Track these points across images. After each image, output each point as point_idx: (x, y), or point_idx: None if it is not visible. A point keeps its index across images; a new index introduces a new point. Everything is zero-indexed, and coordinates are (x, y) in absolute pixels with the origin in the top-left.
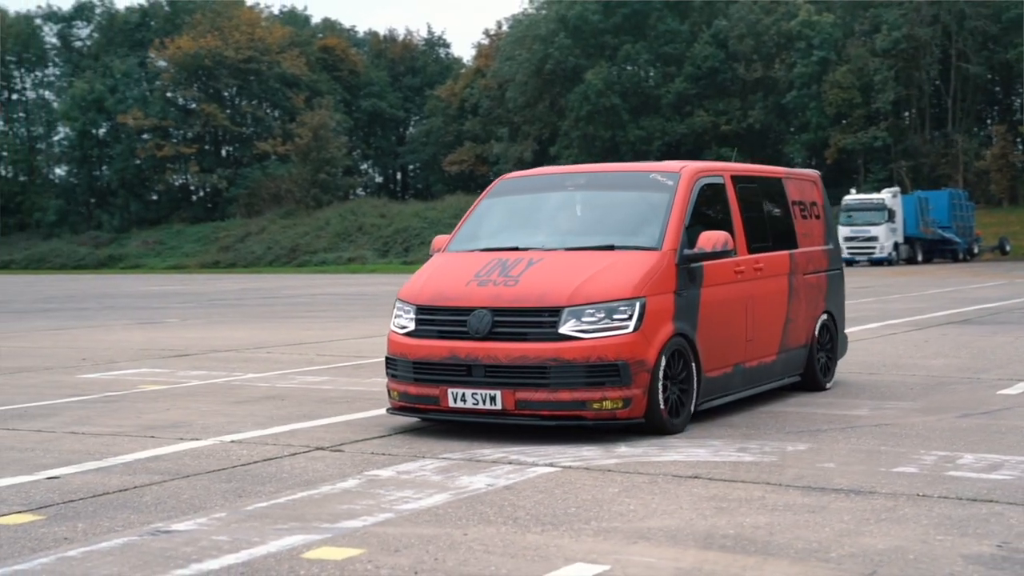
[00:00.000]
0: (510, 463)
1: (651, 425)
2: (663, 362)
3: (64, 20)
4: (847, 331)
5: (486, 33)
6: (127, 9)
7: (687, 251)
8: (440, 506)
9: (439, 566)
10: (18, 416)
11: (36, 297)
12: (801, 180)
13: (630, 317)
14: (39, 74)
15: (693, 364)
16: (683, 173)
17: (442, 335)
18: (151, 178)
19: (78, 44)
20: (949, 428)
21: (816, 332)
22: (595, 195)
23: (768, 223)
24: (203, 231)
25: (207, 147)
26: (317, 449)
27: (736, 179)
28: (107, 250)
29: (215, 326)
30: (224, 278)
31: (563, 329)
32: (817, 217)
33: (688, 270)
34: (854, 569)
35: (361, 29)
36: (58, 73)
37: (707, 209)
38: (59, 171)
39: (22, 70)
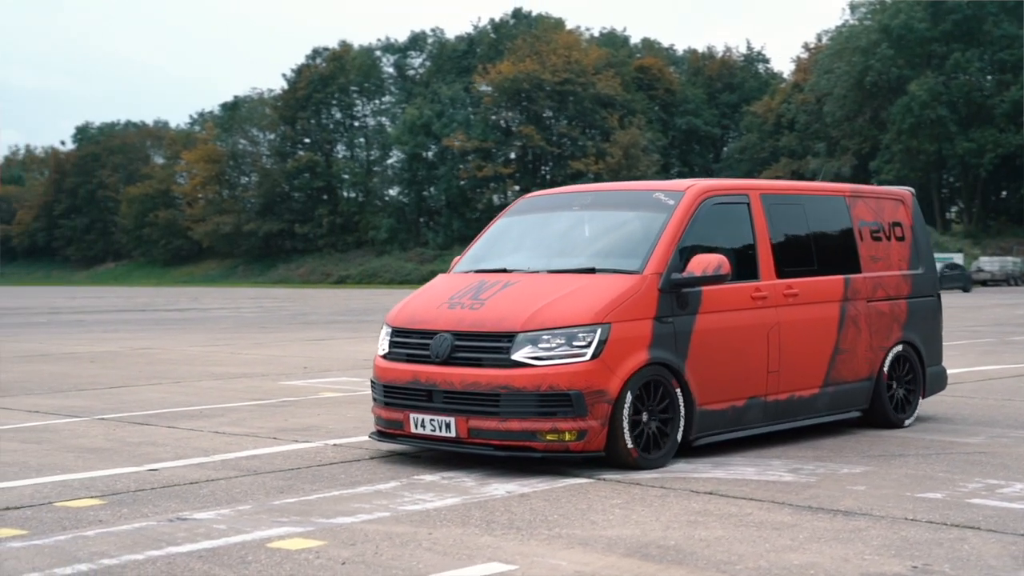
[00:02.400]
0: (554, 474)
1: (614, 459)
2: (631, 393)
3: (400, 51)
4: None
5: (805, 47)
6: (456, 38)
7: (675, 275)
8: (440, 508)
9: (371, 559)
10: (189, 416)
11: (336, 310)
12: (878, 199)
13: (589, 344)
14: (377, 102)
15: (679, 396)
16: (687, 192)
17: (409, 359)
18: (473, 197)
19: (411, 73)
20: None
21: (885, 364)
22: (598, 215)
23: (814, 245)
24: None
25: (525, 167)
26: (399, 455)
27: (767, 198)
28: (430, 266)
29: None
30: None
31: (516, 355)
32: (900, 239)
33: (677, 295)
34: None
35: (680, 47)
36: (393, 100)
37: (719, 230)
38: (391, 192)
39: (363, 99)
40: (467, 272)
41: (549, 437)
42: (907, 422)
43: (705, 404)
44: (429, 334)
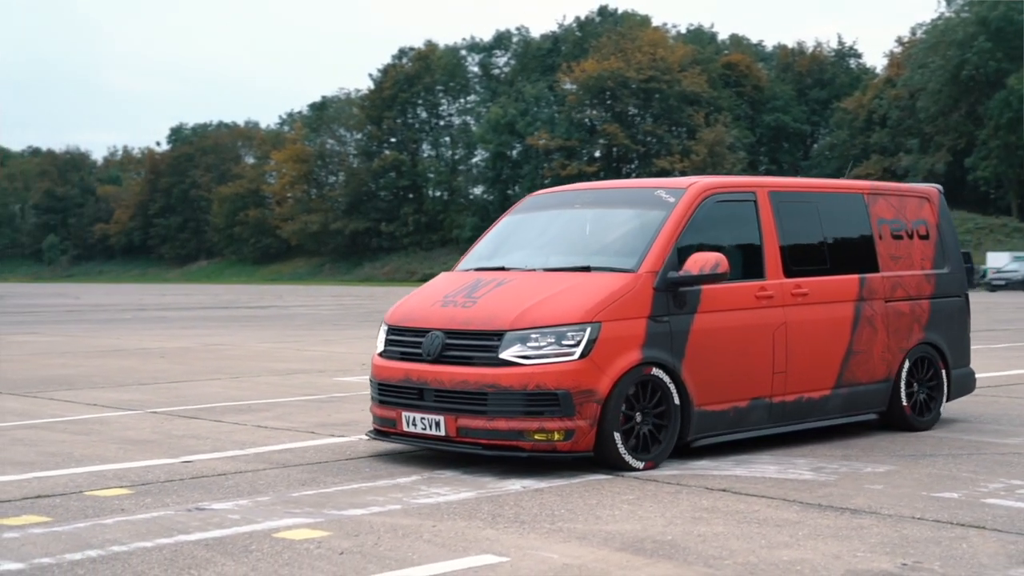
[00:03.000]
0: (574, 470)
1: (604, 460)
2: (623, 393)
3: (485, 50)
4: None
5: (899, 41)
6: (541, 37)
7: (672, 274)
8: (452, 502)
9: (369, 550)
10: (237, 410)
11: None
12: (901, 196)
13: (577, 343)
14: (462, 101)
15: (674, 396)
16: (689, 190)
17: (403, 357)
18: None
19: (495, 72)
20: None
21: (905, 366)
22: (599, 213)
23: (827, 244)
24: None
25: (610, 165)
26: (428, 449)
27: (776, 196)
28: None
29: None
30: None
31: (505, 354)
32: (924, 237)
33: (674, 294)
34: (722, 575)
35: (769, 43)
36: (478, 99)
37: (722, 228)
38: (476, 191)
39: (448, 98)
40: (467, 270)
41: (537, 437)
42: (929, 425)
43: (704, 405)
44: (422, 332)
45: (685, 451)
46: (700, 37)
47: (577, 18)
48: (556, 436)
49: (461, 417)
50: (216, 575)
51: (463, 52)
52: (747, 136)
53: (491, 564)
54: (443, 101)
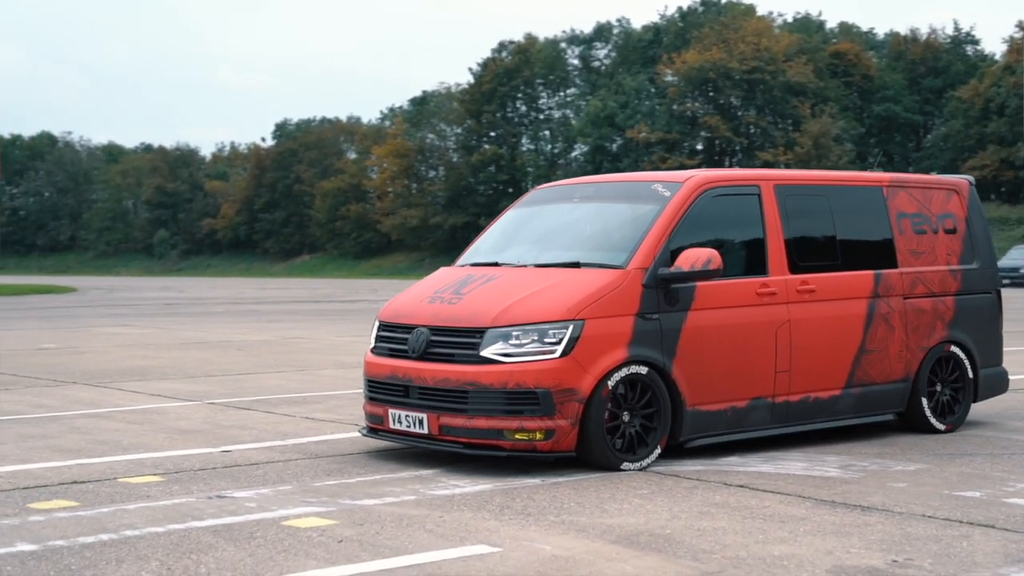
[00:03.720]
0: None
1: (587, 460)
2: (608, 392)
3: (585, 42)
4: None
5: (1020, 26)
6: (642, 28)
7: (663, 271)
8: (467, 493)
9: (369, 539)
10: (292, 402)
11: None
12: (926, 189)
13: (559, 341)
14: (562, 94)
15: (665, 395)
16: (686, 183)
17: (391, 353)
18: None
19: (595, 64)
20: None
21: (924, 365)
22: (596, 207)
23: (838, 239)
24: None
25: (711, 158)
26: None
27: (782, 189)
28: None
29: None
30: None
31: (485, 352)
32: (950, 231)
33: (666, 291)
34: (705, 568)
35: (880, 31)
36: (577, 92)
37: (721, 224)
38: None
39: (548, 91)
40: (463, 265)
41: (517, 436)
42: (951, 427)
43: (698, 404)
44: (409, 328)
45: (715, 448)
46: (807, 26)
47: (680, 9)
48: (536, 435)
49: (443, 415)
50: (214, 559)
51: (563, 45)
52: (855, 127)
53: (481, 554)
54: (542, 94)
